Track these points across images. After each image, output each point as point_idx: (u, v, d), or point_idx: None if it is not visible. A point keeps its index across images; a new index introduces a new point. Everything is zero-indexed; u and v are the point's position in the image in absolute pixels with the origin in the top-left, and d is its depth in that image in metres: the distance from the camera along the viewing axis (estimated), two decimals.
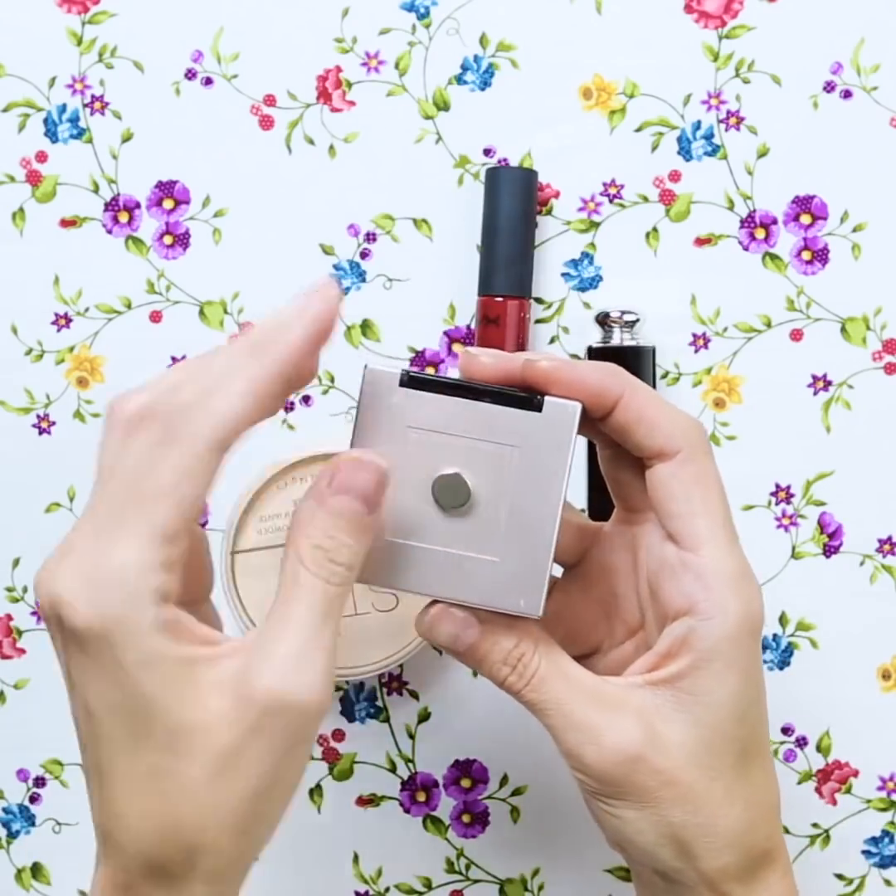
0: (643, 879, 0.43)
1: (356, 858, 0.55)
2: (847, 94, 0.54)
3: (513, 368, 0.39)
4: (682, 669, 0.38)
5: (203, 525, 0.54)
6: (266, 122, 0.54)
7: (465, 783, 0.55)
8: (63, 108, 0.54)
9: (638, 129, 0.54)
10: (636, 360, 0.52)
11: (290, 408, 0.54)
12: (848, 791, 0.55)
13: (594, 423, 0.39)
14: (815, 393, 0.54)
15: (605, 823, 0.40)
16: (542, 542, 0.38)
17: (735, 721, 0.39)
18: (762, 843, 0.40)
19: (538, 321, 0.54)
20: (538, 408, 0.38)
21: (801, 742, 0.55)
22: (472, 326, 0.54)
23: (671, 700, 0.39)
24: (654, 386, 0.53)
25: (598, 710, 0.39)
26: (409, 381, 0.38)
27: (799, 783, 0.55)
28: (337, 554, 0.36)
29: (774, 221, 0.54)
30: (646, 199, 0.54)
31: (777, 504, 0.54)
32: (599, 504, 0.46)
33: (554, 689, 0.39)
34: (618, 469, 0.41)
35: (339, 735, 0.55)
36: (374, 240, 0.54)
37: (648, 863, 0.40)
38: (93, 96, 0.54)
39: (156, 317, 0.55)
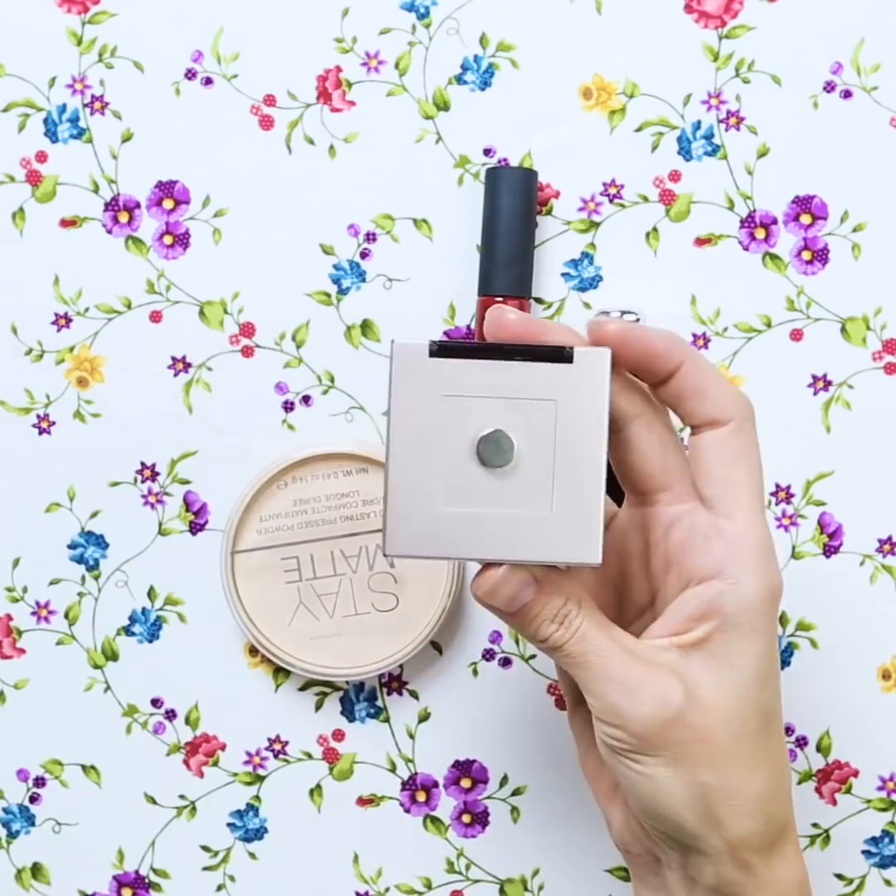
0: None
1: (356, 858, 0.55)
2: (847, 94, 0.54)
3: (538, 331, 0.39)
4: (710, 632, 0.39)
5: (203, 526, 0.54)
6: (266, 122, 0.54)
7: (465, 783, 0.55)
8: (63, 108, 0.54)
9: (638, 129, 0.54)
10: None
11: (289, 408, 0.54)
12: (848, 791, 0.55)
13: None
14: (815, 393, 0.54)
15: (633, 788, 0.40)
16: (592, 490, 0.38)
17: (760, 685, 0.39)
18: (781, 813, 0.41)
19: None
20: (569, 359, 0.38)
21: (801, 742, 0.55)
22: (472, 326, 0.54)
23: (699, 662, 0.39)
24: None
25: (637, 666, 0.39)
26: (438, 350, 0.38)
27: (799, 783, 0.55)
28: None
29: (774, 221, 0.54)
30: (646, 199, 0.54)
31: (777, 504, 0.54)
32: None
33: (595, 641, 0.39)
34: (626, 451, 0.41)
35: (339, 735, 0.55)
36: (374, 240, 0.54)
37: (670, 831, 0.40)
38: (93, 96, 0.54)
39: (156, 317, 0.55)
